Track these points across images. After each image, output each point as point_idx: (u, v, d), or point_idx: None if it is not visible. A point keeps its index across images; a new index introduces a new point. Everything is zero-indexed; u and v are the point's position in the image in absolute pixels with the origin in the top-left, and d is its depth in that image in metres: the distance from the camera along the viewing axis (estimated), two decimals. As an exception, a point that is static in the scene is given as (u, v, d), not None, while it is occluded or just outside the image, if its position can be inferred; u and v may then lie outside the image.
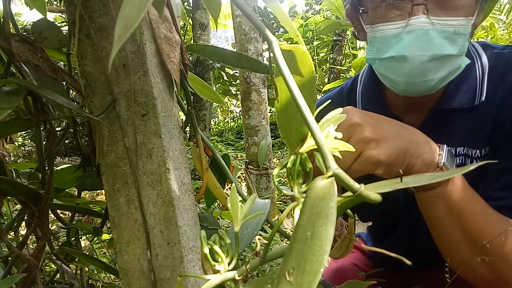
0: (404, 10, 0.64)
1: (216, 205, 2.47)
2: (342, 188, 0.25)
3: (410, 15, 0.63)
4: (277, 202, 2.85)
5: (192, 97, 0.64)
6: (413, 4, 0.63)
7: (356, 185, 0.23)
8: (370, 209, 0.85)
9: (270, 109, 6.72)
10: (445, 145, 0.58)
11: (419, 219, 0.82)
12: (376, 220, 0.97)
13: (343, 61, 5.69)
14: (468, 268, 0.60)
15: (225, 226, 2.23)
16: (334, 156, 0.26)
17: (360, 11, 0.71)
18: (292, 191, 0.31)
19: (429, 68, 0.64)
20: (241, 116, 3.09)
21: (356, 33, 0.79)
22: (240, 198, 0.45)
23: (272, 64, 0.31)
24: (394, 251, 0.25)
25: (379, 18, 0.67)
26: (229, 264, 0.32)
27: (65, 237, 0.78)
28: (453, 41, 0.63)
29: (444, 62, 0.64)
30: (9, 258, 0.68)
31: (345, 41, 5.57)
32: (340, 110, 0.30)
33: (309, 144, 0.31)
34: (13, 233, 0.77)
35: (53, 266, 1.24)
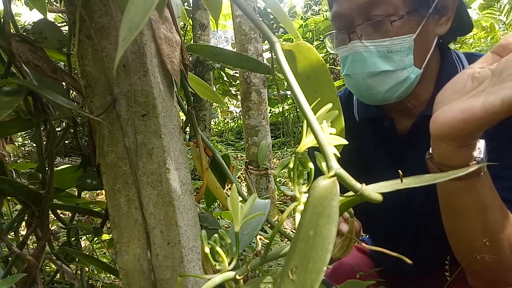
0: (346, 36, 0.75)
1: (216, 205, 2.47)
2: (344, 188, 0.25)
3: (350, 41, 0.75)
4: (277, 203, 2.85)
5: (192, 97, 0.64)
6: (347, 32, 0.75)
7: (357, 185, 0.23)
8: (373, 216, 0.86)
9: (270, 110, 6.72)
10: (483, 140, 0.56)
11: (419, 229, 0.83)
12: (377, 232, 0.97)
13: (343, 62, 5.68)
14: (477, 260, 0.59)
15: (225, 226, 2.23)
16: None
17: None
18: (292, 191, 0.31)
19: (371, 83, 0.73)
20: (241, 117, 3.10)
21: None
22: (240, 198, 0.45)
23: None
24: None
25: (337, 43, 0.79)
26: (229, 264, 0.32)
27: (65, 237, 0.78)
28: (387, 59, 0.71)
29: (384, 77, 0.72)
30: (9, 258, 0.68)
31: (345, 42, 5.55)
32: (330, 105, 0.30)
33: (307, 142, 0.30)
34: (13, 233, 0.77)
35: (53, 266, 1.24)
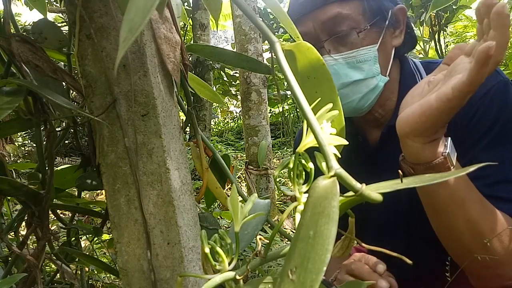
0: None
1: (216, 205, 2.47)
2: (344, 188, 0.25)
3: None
4: (277, 203, 2.85)
5: (192, 97, 0.64)
6: (316, 49, 0.72)
7: (357, 185, 0.23)
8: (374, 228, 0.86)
9: (270, 110, 6.71)
10: (450, 138, 0.60)
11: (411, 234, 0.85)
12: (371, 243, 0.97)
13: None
14: (468, 256, 0.61)
15: (225, 226, 2.23)
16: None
17: None
18: (292, 191, 0.31)
19: (345, 93, 0.77)
20: (241, 117, 3.09)
21: None
22: (240, 198, 0.45)
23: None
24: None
25: None
26: (229, 264, 0.32)
27: (65, 237, 0.78)
28: (357, 69, 0.76)
29: (356, 86, 0.76)
30: (9, 258, 0.68)
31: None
32: (330, 105, 0.30)
33: (307, 142, 0.30)
34: (13, 233, 0.77)
35: (53, 266, 1.24)
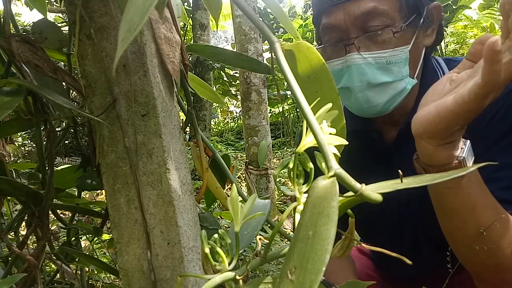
0: (342, 48, 0.74)
1: (216, 205, 2.47)
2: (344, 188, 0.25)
3: (346, 53, 0.73)
4: (277, 203, 2.85)
5: (192, 97, 0.64)
6: (344, 45, 0.73)
7: (357, 185, 0.23)
8: (371, 228, 0.86)
9: (270, 110, 6.72)
10: (468, 141, 0.58)
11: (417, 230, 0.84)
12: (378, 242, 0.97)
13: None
14: (475, 260, 0.60)
15: (225, 226, 2.23)
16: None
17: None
18: (292, 191, 0.31)
19: (370, 95, 0.73)
20: (241, 117, 3.09)
21: None
22: (240, 198, 0.45)
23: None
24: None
25: (329, 55, 0.78)
26: (229, 264, 0.32)
27: (65, 237, 0.78)
28: (386, 70, 0.71)
29: (384, 89, 0.72)
30: (9, 258, 0.68)
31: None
32: (330, 105, 0.30)
33: (306, 142, 0.30)
34: (13, 233, 0.77)
35: (53, 266, 1.24)
